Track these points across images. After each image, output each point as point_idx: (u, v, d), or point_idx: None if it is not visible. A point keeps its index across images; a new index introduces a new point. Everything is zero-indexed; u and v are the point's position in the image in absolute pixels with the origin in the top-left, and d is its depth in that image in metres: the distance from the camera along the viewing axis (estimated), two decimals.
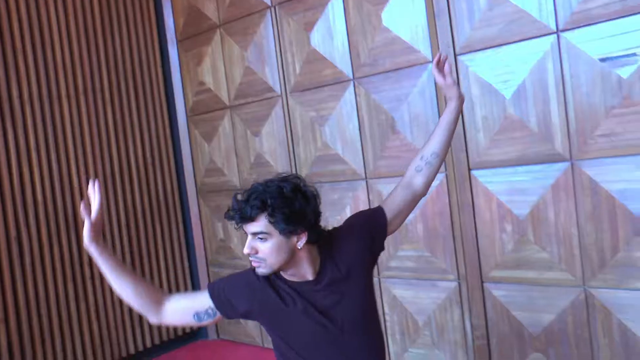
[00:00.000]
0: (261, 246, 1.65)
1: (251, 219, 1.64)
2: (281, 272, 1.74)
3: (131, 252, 3.80)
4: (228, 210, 1.70)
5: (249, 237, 1.67)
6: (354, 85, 3.12)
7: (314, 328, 1.76)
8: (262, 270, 1.69)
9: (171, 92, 4.08)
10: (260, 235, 1.65)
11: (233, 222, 1.69)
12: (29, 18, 3.40)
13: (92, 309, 3.58)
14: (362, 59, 3.06)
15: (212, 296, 1.79)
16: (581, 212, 2.48)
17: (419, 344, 3.09)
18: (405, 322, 3.14)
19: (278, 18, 3.41)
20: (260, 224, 1.64)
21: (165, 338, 4.01)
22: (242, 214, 1.64)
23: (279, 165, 3.53)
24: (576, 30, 2.40)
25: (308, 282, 1.75)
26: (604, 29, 2.33)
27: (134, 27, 3.94)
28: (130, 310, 3.79)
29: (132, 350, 3.81)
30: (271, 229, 1.64)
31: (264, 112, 3.57)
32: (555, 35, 2.45)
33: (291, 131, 3.47)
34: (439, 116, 2.80)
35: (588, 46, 2.37)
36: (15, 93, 3.32)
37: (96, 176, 3.63)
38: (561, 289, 2.58)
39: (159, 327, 3.97)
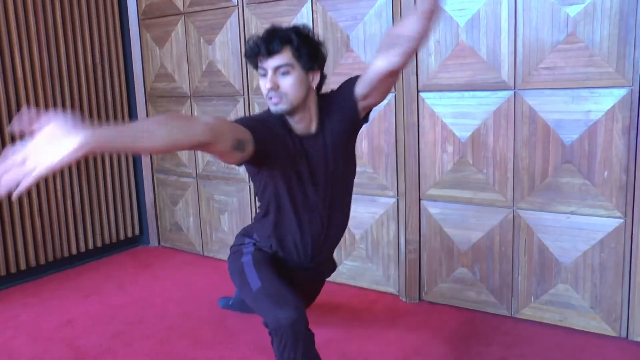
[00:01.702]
0: (284, 81, 1.78)
1: (277, 51, 1.76)
2: (290, 118, 1.86)
3: None
4: (249, 47, 1.81)
5: (270, 73, 1.78)
6: (312, 2, 3.13)
7: (302, 175, 1.93)
8: (281, 106, 1.79)
9: None
10: (283, 69, 1.78)
11: (253, 59, 1.81)
12: None
13: (35, 205, 3.57)
14: None
15: (247, 127, 1.72)
16: (518, 138, 2.65)
17: (354, 257, 3.27)
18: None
19: None
20: (285, 56, 1.77)
21: (107, 241, 4.06)
22: (269, 46, 1.76)
23: (231, 75, 3.54)
24: None
25: (310, 135, 1.91)
26: None
27: None
28: (74, 210, 3.80)
29: (74, 251, 3.84)
30: (294, 62, 1.78)
31: (219, 21, 3.54)
32: None
33: (245, 42, 3.46)
34: None
35: None
36: None
37: (42, 71, 3.53)
38: (492, 209, 2.78)
39: (102, 230, 4.01)
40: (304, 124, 1.90)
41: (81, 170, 3.81)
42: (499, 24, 2.60)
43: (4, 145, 3.38)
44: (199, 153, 3.84)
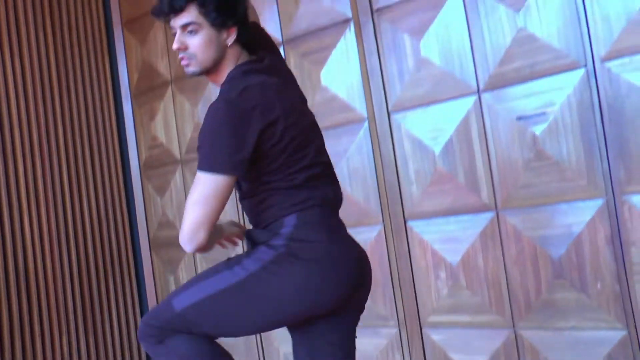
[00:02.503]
0: (191, 40, 1.64)
1: (181, 8, 1.62)
2: (208, 78, 1.75)
3: (83, 307, 3.82)
4: (155, 5, 1.69)
5: (178, 32, 1.65)
6: None
7: None
8: (191, 69, 1.67)
9: (125, 147, 4.18)
10: (190, 27, 1.63)
11: (161, 17, 1.68)
12: None
13: None
14: None
15: None
16: (507, 257, 2.66)
17: None
18: None
19: None
20: (191, 14, 1.62)
21: None
22: (172, 3, 1.62)
23: (229, 217, 3.64)
24: (494, 91, 2.63)
25: None
26: (517, 91, 2.57)
27: (90, 82, 4.05)
28: None
29: None
30: (201, 19, 1.62)
31: None
32: (476, 96, 2.68)
33: (239, 187, 3.59)
34: (376, 171, 2.98)
35: (505, 105, 2.60)
36: None
37: (49, 232, 3.68)
38: (493, 331, 2.73)
39: None
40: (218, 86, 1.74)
41: (87, 322, 3.83)
42: (472, 148, 2.70)
43: (10, 305, 3.44)
44: None
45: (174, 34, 1.67)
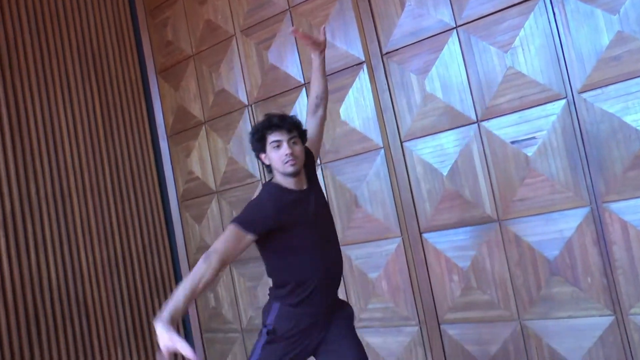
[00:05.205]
0: (296, 148, 2.38)
1: (292, 128, 2.39)
2: (294, 177, 2.40)
3: (133, 325, 4.27)
4: (271, 122, 2.40)
5: (285, 144, 2.35)
6: (322, 169, 3.76)
7: (310, 221, 2.41)
8: (297, 167, 2.37)
9: (164, 181, 4.66)
10: (294, 140, 2.38)
11: (267, 133, 2.38)
12: (43, 124, 4.00)
13: None
14: (327, 147, 3.72)
15: (248, 230, 2.28)
16: (510, 260, 3.11)
17: None
18: None
19: (255, 115, 4.07)
20: (295, 132, 2.41)
21: None
22: (290, 126, 2.39)
23: None
24: (491, 120, 3.11)
25: (303, 190, 2.45)
26: (510, 119, 3.04)
27: (130, 127, 4.57)
28: None
29: None
30: (298, 135, 2.43)
31: (246, 195, 4.17)
32: (476, 125, 3.16)
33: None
34: (393, 192, 3.46)
35: (501, 132, 3.08)
36: (33, 190, 3.86)
37: (102, 262, 4.14)
38: (502, 324, 3.18)
39: None
40: (301, 181, 2.45)
41: (138, 339, 4.28)
42: (474, 169, 3.17)
43: (73, 326, 3.89)
44: (242, 309, 4.31)
45: (276, 147, 2.36)
